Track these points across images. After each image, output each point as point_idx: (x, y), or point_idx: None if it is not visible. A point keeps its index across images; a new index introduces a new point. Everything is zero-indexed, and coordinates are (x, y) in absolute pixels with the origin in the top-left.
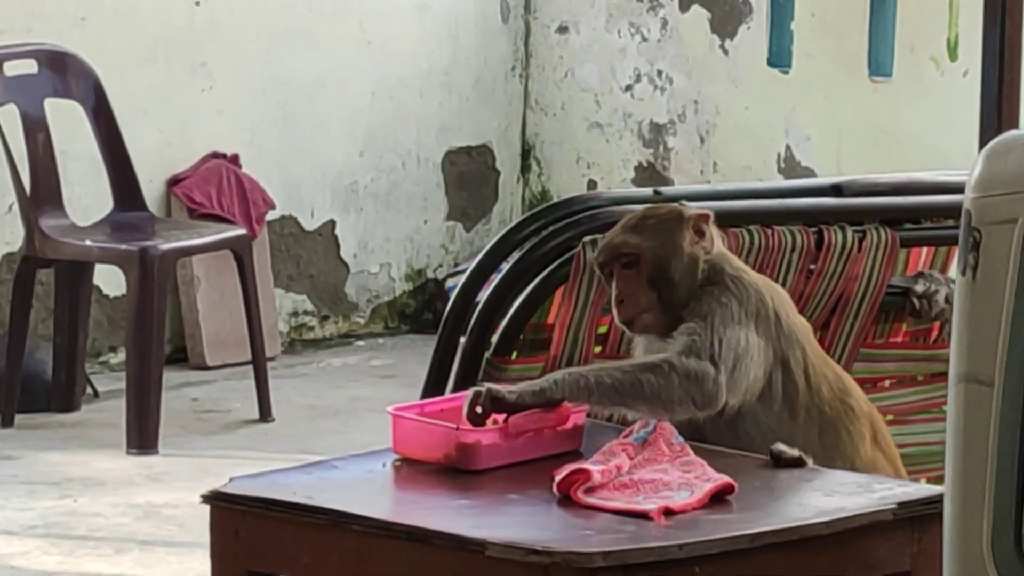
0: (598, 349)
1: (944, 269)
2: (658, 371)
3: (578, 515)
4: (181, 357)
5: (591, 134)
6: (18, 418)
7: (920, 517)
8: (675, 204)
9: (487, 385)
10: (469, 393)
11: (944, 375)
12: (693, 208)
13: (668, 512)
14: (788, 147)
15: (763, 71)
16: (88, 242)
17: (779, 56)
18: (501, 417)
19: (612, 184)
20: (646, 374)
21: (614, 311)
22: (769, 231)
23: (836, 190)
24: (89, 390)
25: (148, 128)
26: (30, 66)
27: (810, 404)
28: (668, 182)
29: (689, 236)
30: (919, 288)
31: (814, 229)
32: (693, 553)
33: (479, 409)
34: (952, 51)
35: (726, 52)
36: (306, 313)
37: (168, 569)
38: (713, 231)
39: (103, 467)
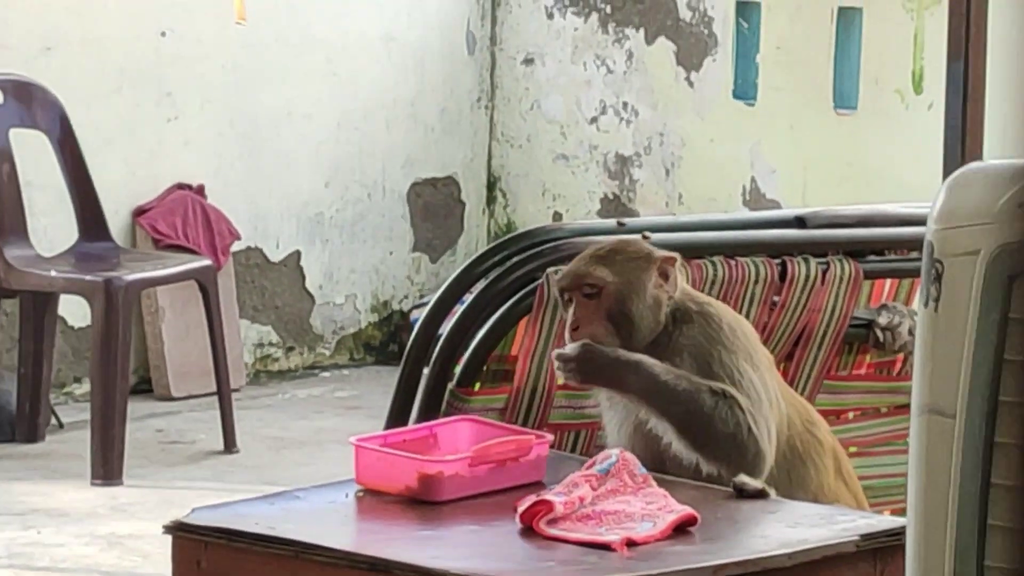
0: (561, 380)
1: (908, 301)
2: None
3: (541, 546)
4: (146, 388)
5: (557, 166)
6: None
7: (883, 549)
8: (644, 243)
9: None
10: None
11: (908, 407)
12: (661, 251)
13: (631, 543)
14: (753, 179)
15: (728, 103)
16: (53, 272)
17: (744, 88)
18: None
19: (578, 216)
20: (705, 421)
21: (567, 335)
22: (733, 262)
23: (800, 222)
24: (54, 421)
25: (114, 159)
26: None
27: (784, 438)
28: (633, 214)
29: (655, 278)
30: (883, 320)
31: (778, 261)
32: None
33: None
34: (917, 84)
35: (691, 84)
36: (271, 344)
37: None
38: (678, 274)
39: (67, 498)
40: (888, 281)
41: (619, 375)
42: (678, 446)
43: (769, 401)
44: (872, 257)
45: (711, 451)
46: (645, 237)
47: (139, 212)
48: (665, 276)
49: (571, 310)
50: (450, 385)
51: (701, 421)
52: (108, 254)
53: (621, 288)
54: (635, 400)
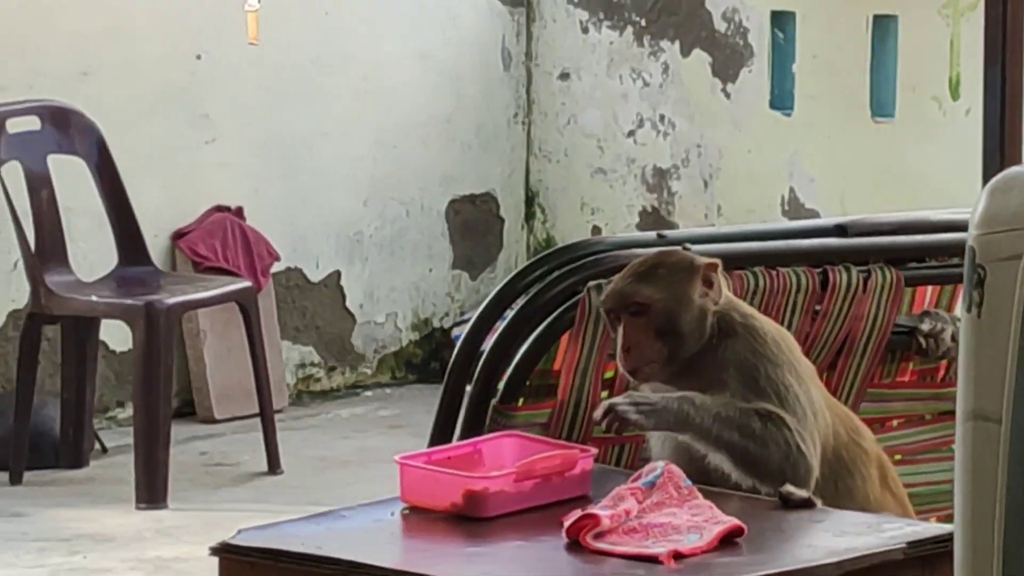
0: (605, 394)
1: (950, 307)
2: (765, 449)
3: (587, 560)
4: (189, 411)
5: (595, 180)
6: (27, 475)
7: (930, 556)
8: (685, 252)
9: (624, 404)
10: (606, 406)
11: (952, 413)
12: (702, 258)
13: (678, 556)
14: (792, 189)
15: (765, 114)
16: (94, 297)
17: (781, 99)
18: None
19: (617, 230)
20: (755, 446)
21: (619, 359)
22: (773, 272)
23: (840, 230)
24: (97, 446)
25: (152, 182)
26: (32, 123)
27: (830, 449)
28: (672, 226)
29: (699, 287)
30: (925, 327)
31: (819, 270)
32: None
33: (604, 425)
34: (954, 90)
35: (728, 96)
36: (313, 364)
37: None
38: (721, 280)
39: (112, 522)
40: (930, 288)
41: (667, 419)
42: (734, 473)
43: (814, 414)
44: (913, 264)
45: (765, 474)
46: (685, 249)
47: (178, 235)
48: (709, 283)
49: (619, 330)
50: (493, 401)
51: (754, 448)
52: (148, 278)
53: (668, 303)
54: (690, 438)
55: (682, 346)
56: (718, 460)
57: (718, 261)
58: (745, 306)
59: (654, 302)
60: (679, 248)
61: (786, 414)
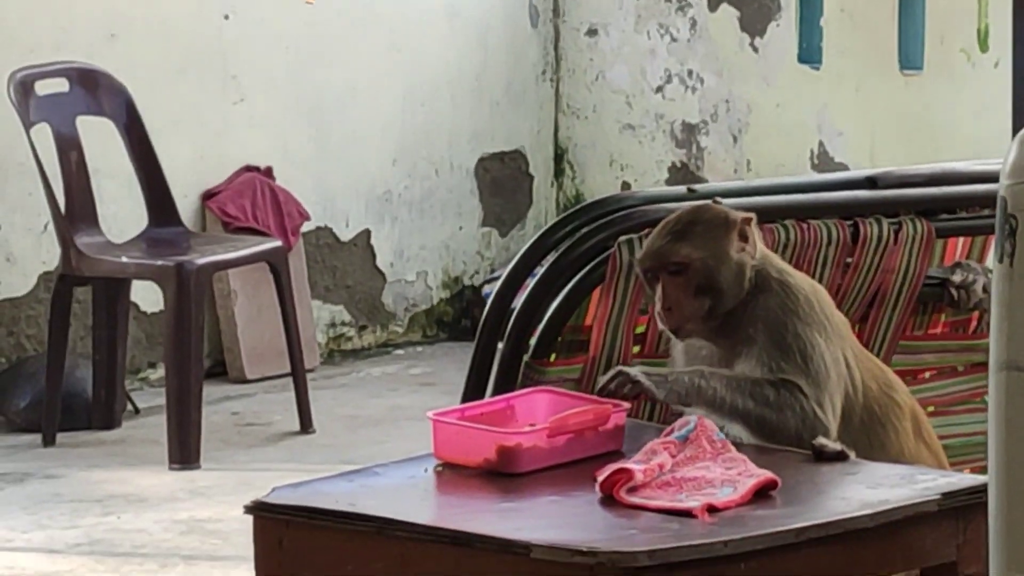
0: (636, 349)
1: (981, 258)
2: (781, 414)
3: (621, 515)
4: (220, 371)
5: (624, 136)
6: (59, 437)
7: (965, 507)
8: (720, 207)
9: (634, 373)
10: (615, 374)
11: (984, 365)
12: (737, 212)
13: (712, 509)
14: (821, 143)
15: (794, 68)
16: (124, 259)
17: (809, 52)
18: (545, 417)
19: (646, 186)
20: (771, 413)
21: (660, 317)
22: (804, 226)
23: (871, 182)
24: (129, 407)
25: (181, 143)
26: (61, 85)
27: (862, 404)
28: (702, 182)
29: (736, 242)
30: (957, 278)
31: (849, 222)
32: (738, 550)
33: (613, 386)
34: (982, 42)
35: (756, 50)
36: (344, 324)
37: None
38: (756, 234)
39: (145, 483)
40: (961, 239)
41: (678, 391)
42: (752, 442)
43: (838, 375)
44: (944, 216)
45: (782, 440)
46: (716, 203)
47: (208, 196)
48: (745, 238)
49: (658, 290)
50: (525, 357)
51: (769, 415)
52: (178, 238)
53: (706, 260)
54: (704, 410)
55: (721, 302)
56: (735, 431)
57: (753, 215)
58: (780, 262)
59: (693, 260)
60: (712, 203)
61: (802, 379)
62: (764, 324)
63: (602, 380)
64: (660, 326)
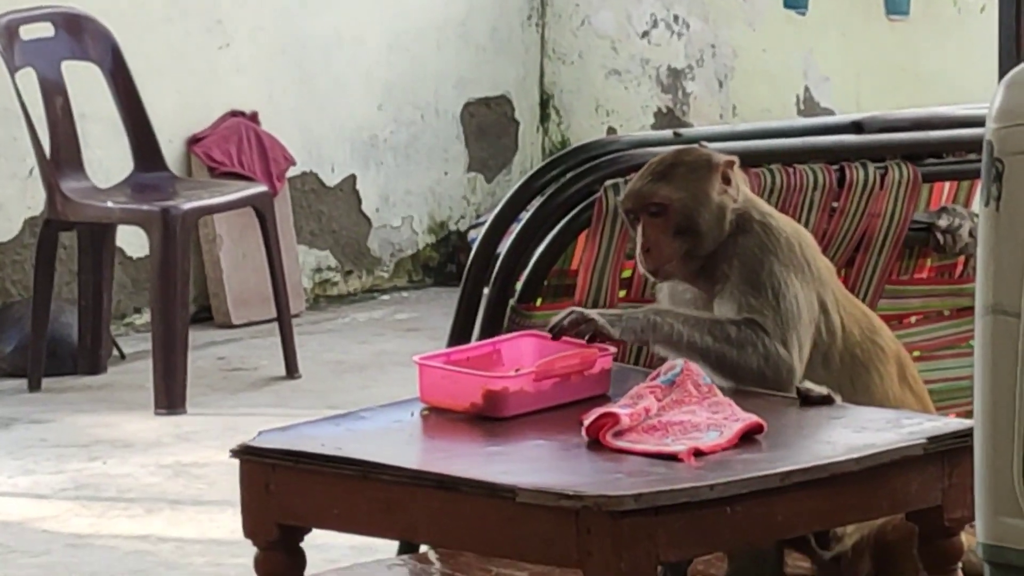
0: (623, 293)
1: (967, 203)
2: (741, 350)
3: (608, 459)
4: (206, 316)
5: (609, 81)
6: (45, 382)
7: (950, 451)
8: (703, 150)
9: (590, 312)
10: (569, 312)
11: (970, 309)
12: (720, 156)
13: (698, 453)
14: (807, 88)
15: (780, 13)
16: (110, 204)
17: None
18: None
19: (631, 131)
20: (731, 349)
21: (639, 259)
22: (790, 170)
23: (857, 127)
24: (115, 352)
25: (166, 88)
26: (46, 29)
27: (843, 348)
28: (687, 127)
29: (718, 185)
30: (943, 223)
31: (835, 167)
32: (724, 493)
33: (567, 323)
34: None
35: None
36: (329, 269)
37: (199, 527)
38: (739, 177)
39: (131, 428)
40: (947, 184)
41: (634, 327)
42: (714, 380)
43: (811, 318)
44: (930, 160)
45: (744, 377)
46: (702, 147)
47: (193, 141)
48: (727, 180)
49: (639, 230)
50: (512, 302)
51: (729, 351)
52: (164, 183)
53: (687, 202)
54: (660, 347)
55: (701, 244)
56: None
57: (736, 159)
58: (764, 205)
59: (673, 202)
60: (696, 146)
61: (769, 316)
62: (739, 261)
63: (555, 319)
64: (639, 267)
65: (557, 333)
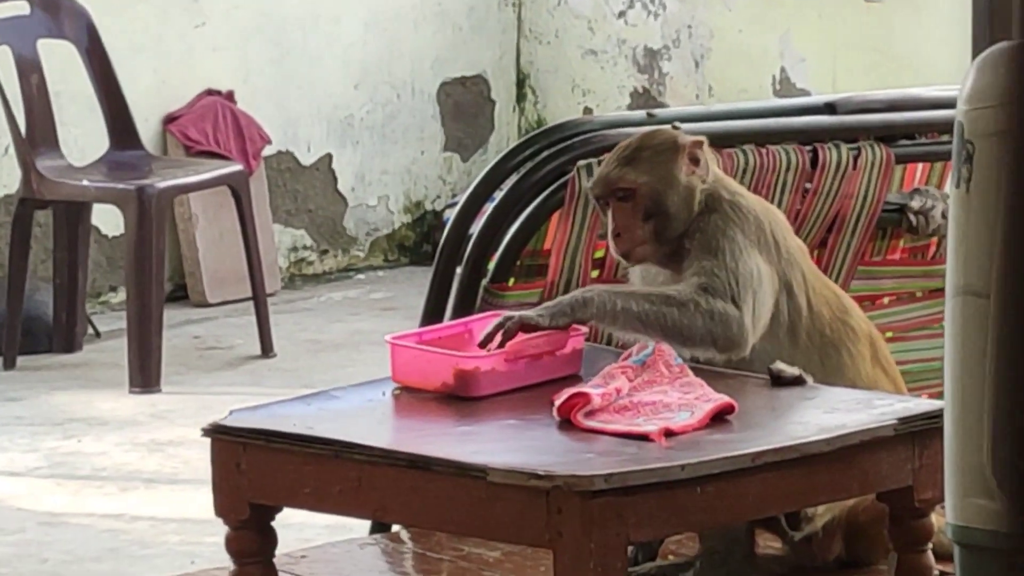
0: (595, 273)
1: (940, 184)
2: (683, 309)
3: (579, 439)
4: (181, 295)
5: (586, 61)
6: (20, 360)
7: (921, 432)
8: (670, 131)
9: (517, 313)
10: (496, 321)
11: (942, 291)
12: (687, 135)
13: (669, 433)
14: (783, 69)
15: None
16: (85, 182)
17: None
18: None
19: (608, 111)
20: (671, 309)
21: (610, 243)
22: (763, 151)
23: (830, 108)
24: (90, 330)
25: (142, 67)
26: (22, 7)
27: (812, 327)
28: (664, 107)
29: (685, 166)
30: (915, 204)
31: (809, 148)
32: (695, 473)
33: (491, 330)
34: None
35: None
36: (305, 248)
37: (173, 506)
38: (708, 156)
39: (106, 406)
40: (920, 165)
41: (563, 310)
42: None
43: (772, 289)
44: (903, 141)
45: (692, 337)
46: (675, 128)
47: (169, 119)
48: (696, 161)
49: (608, 216)
50: (484, 282)
51: (670, 312)
52: (140, 162)
53: (654, 185)
54: (596, 322)
55: (671, 225)
56: (639, 339)
57: (703, 138)
58: (734, 184)
59: (640, 185)
60: (664, 128)
61: (716, 278)
62: (701, 233)
63: (483, 334)
64: (611, 251)
65: (484, 343)
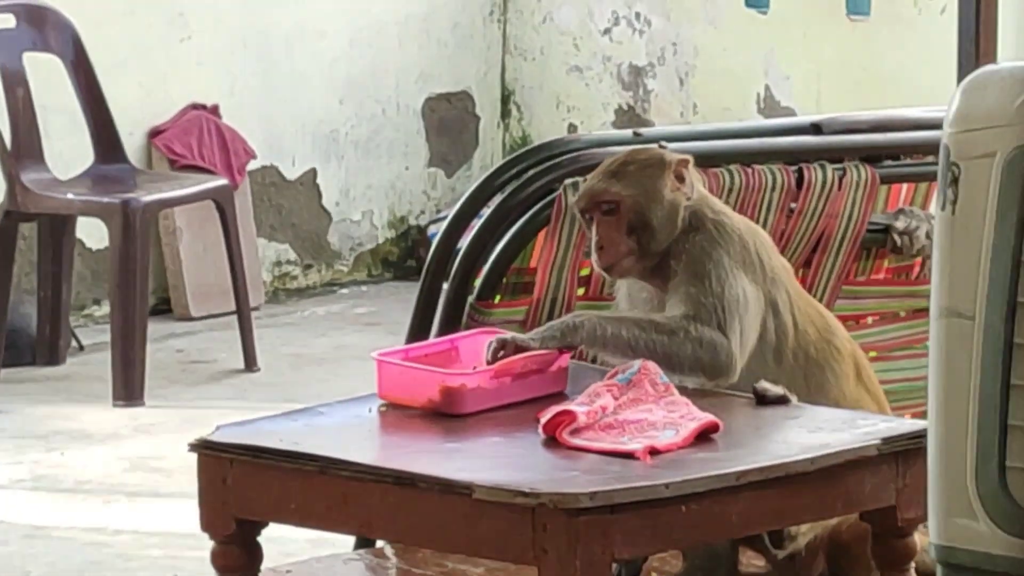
0: (581, 291)
1: (924, 205)
2: (672, 336)
3: (564, 456)
4: (165, 308)
5: (570, 78)
6: (3, 372)
7: (905, 452)
8: (656, 149)
9: (510, 334)
10: (492, 341)
11: (926, 311)
12: (674, 154)
13: (654, 452)
14: (767, 87)
15: (741, 11)
16: (70, 195)
17: None
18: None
19: (592, 128)
20: (661, 336)
21: (593, 257)
22: (749, 170)
23: (816, 128)
24: (74, 343)
25: (128, 80)
26: (7, 20)
27: (797, 347)
28: (648, 125)
29: (670, 182)
30: (900, 224)
31: (794, 168)
32: (679, 492)
33: (490, 354)
34: None
35: None
36: (289, 262)
37: (156, 519)
38: (693, 175)
39: (89, 419)
40: (905, 186)
41: (553, 334)
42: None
43: (757, 311)
44: (888, 162)
45: (681, 364)
46: (661, 147)
47: (154, 133)
48: (681, 179)
49: (593, 229)
50: (470, 299)
51: (659, 339)
52: (124, 176)
53: (638, 199)
54: (593, 349)
55: (654, 240)
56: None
57: (689, 157)
58: (719, 203)
59: (624, 199)
60: (652, 146)
61: (702, 306)
62: (688, 257)
63: (489, 353)
64: (594, 265)
65: (492, 363)
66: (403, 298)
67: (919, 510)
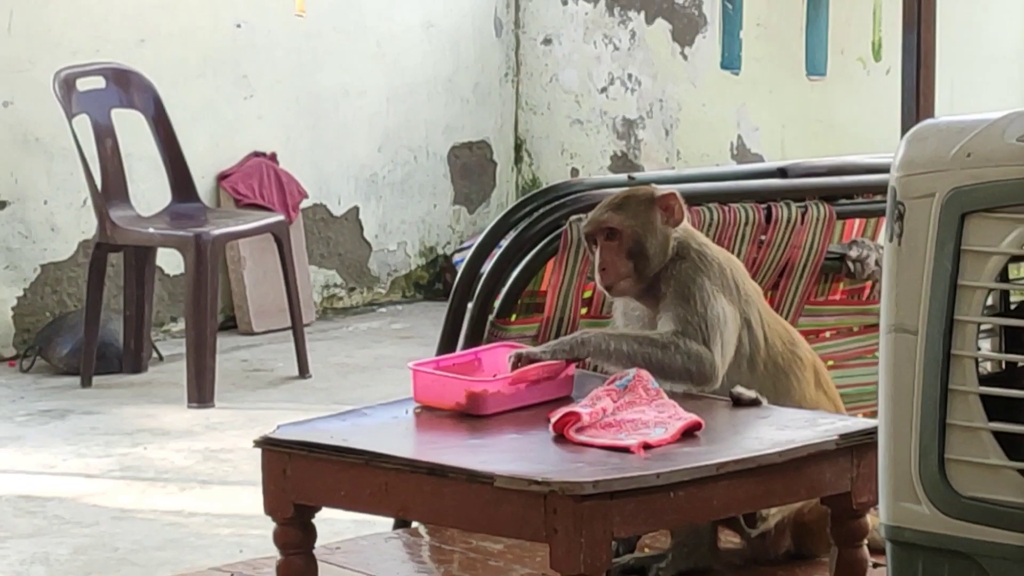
0: (584, 311)
1: (874, 236)
2: (665, 350)
3: (571, 451)
4: (231, 325)
5: (573, 129)
6: (96, 379)
7: (859, 446)
8: (648, 187)
9: (526, 348)
10: (511, 355)
11: (876, 326)
12: (662, 190)
13: (647, 446)
14: (740, 137)
15: (717, 73)
16: (151, 229)
17: (730, 60)
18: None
19: (591, 171)
20: (655, 350)
21: (596, 276)
22: (726, 208)
23: (782, 172)
24: (155, 354)
25: (200, 132)
26: (98, 82)
27: (767, 357)
28: (639, 169)
29: (660, 215)
30: (853, 253)
31: (764, 206)
32: (668, 481)
33: (510, 365)
34: (876, 52)
35: (685, 57)
36: (336, 286)
37: (225, 504)
38: (680, 206)
39: (168, 419)
40: (857, 220)
41: (563, 348)
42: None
43: (734, 328)
44: (843, 201)
45: (672, 373)
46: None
47: (222, 176)
48: (669, 210)
49: (596, 252)
50: (491, 317)
51: (654, 352)
52: (197, 213)
53: (636, 228)
54: (597, 360)
55: (648, 264)
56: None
57: (675, 191)
58: (701, 236)
59: (624, 227)
60: (646, 186)
61: (690, 324)
62: (676, 282)
63: (511, 362)
64: (597, 284)
65: (515, 368)
66: (432, 315)
67: (871, 495)
